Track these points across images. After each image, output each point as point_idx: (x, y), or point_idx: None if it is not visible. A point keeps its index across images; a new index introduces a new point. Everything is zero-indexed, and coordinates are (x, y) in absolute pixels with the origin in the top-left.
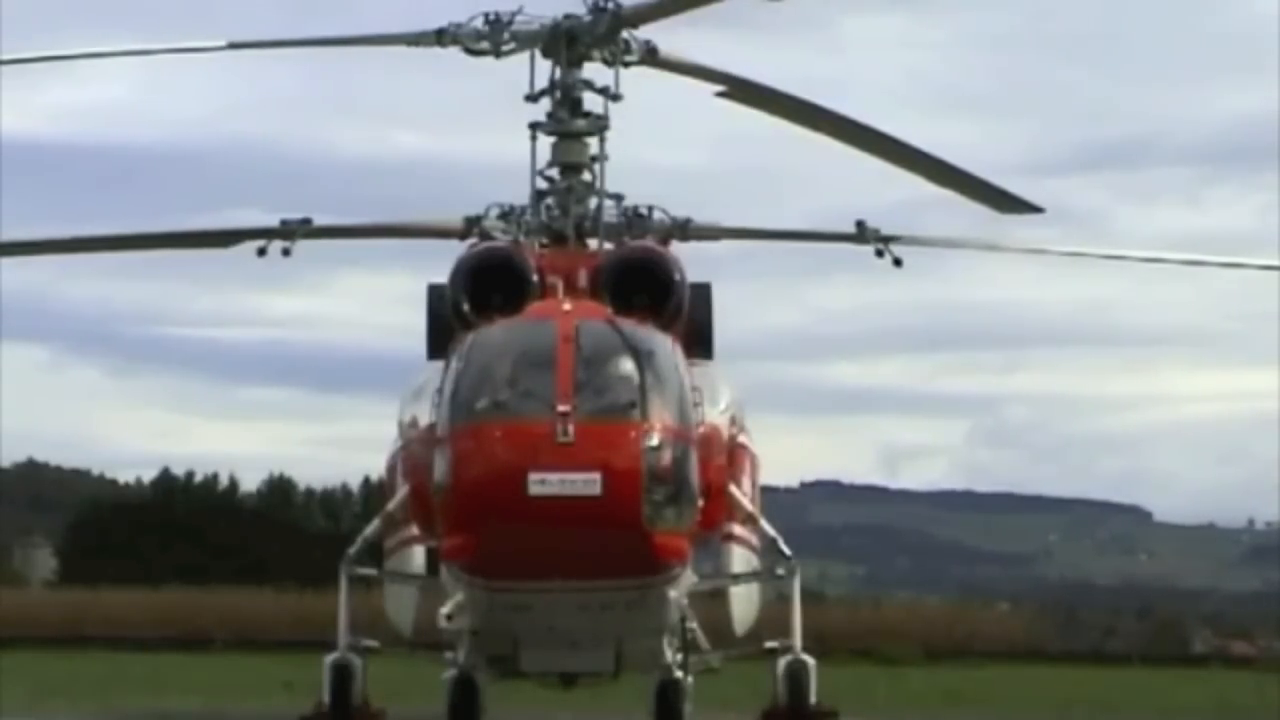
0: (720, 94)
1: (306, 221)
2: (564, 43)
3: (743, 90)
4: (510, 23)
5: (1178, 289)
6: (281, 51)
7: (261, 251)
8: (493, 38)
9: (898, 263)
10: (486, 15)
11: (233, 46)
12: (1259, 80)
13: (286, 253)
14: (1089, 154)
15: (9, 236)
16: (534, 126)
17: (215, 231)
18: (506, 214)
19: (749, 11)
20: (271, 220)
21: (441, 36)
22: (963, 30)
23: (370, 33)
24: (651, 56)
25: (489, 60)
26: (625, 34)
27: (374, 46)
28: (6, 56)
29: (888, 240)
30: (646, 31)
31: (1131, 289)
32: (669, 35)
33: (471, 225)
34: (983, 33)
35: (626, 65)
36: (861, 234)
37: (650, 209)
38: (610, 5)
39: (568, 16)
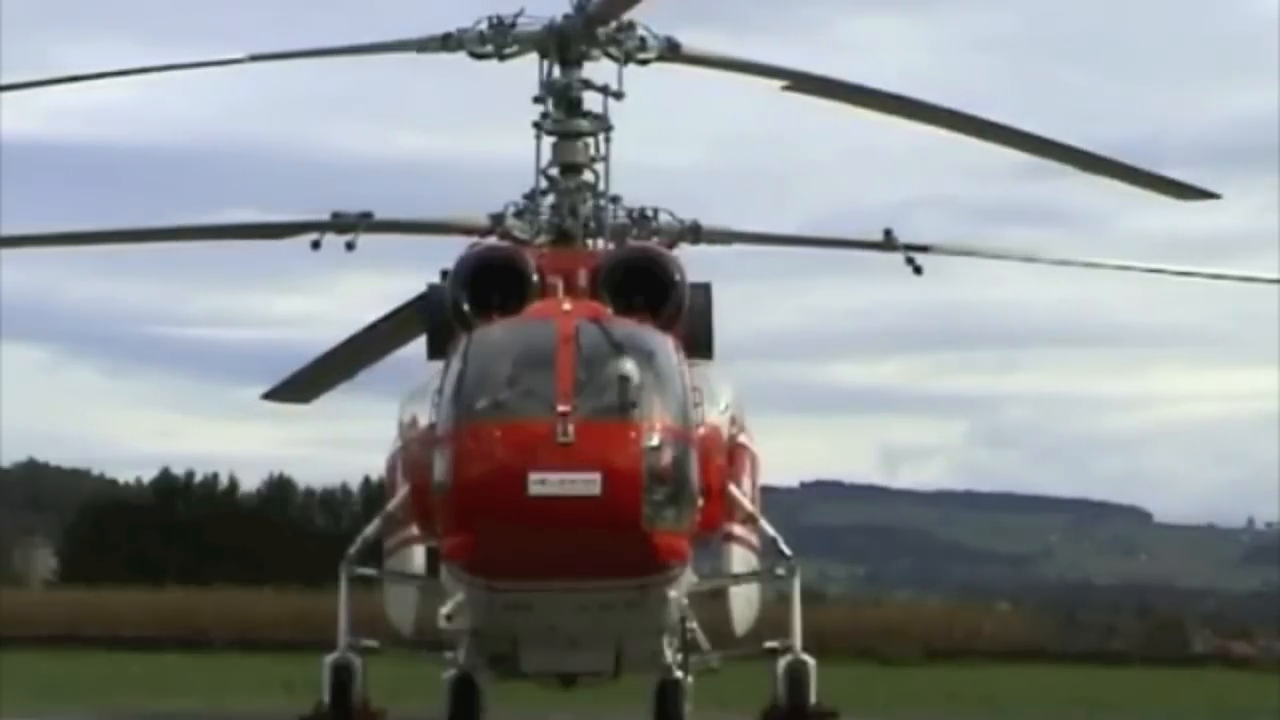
0: (786, 88)
1: (367, 215)
2: (563, 42)
3: (807, 83)
4: (513, 25)
5: (1178, 289)
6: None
7: (316, 244)
8: (496, 40)
9: (918, 271)
10: (490, 19)
11: (253, 59)
12: (1258, 82)
13: (350, 246)
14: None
15: (52, 228)
16: (538, 127)
17: (270, 224)
18: (520, 212)
19: (749, 11)
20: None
21: (448, 41)
22: (962, 31)
23: (381, 40)
24: (674, 53)
25: (492, 63)
26: (642, 31)
27: (385, 54)
28: (21, 80)
29: (916, 249)
30: (668, 28)
31: (1131, 289)
32: (691, 31)
33: (497, 223)
34: (982, 34)
35: (643, 63)
36: (889, 242)
37: (656, 211)
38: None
39: (566, 17)
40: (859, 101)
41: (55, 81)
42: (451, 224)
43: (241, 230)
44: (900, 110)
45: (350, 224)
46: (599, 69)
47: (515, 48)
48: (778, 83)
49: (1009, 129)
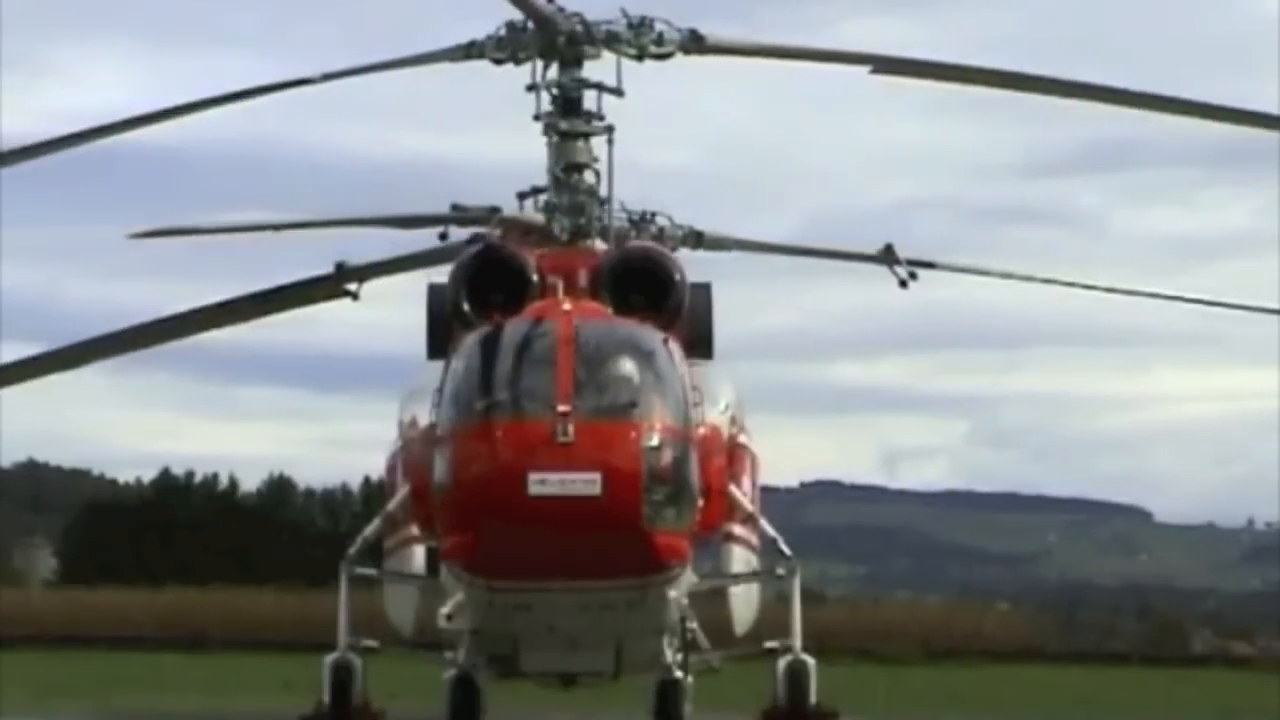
0: (873, 71)
1: (375, 265)
2: (573, 41)
3: (892, 65)
4: (524, 28)
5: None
6: (279, 52)
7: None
8: (512, 45)
9: (906, 282)
10: (510, 24)
11: (326, 78)
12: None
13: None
14: (1087, 156)
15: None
16: (548, 130)
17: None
18: (525, 194)
19: (756, 10)
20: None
21: (470, 50)
22: (964, 31)
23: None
24: (697, 45)
25: (508, 66)
26: (661, 26)
27: (421, 66)
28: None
29: (918, 265)
30: (689, 20)
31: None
32: (713, 21)
33: (497, 223)
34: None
35: (662, 59)
36: (890, 256)
37: (654, 215)
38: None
39: (570, 15)
40: (944, 77)
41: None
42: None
43: (249, 305)
44: (985, 81)
45: (356, 272)
46: (599, 68)
47: (529, 50)
48: (863, 68)
49: (1093, 86)
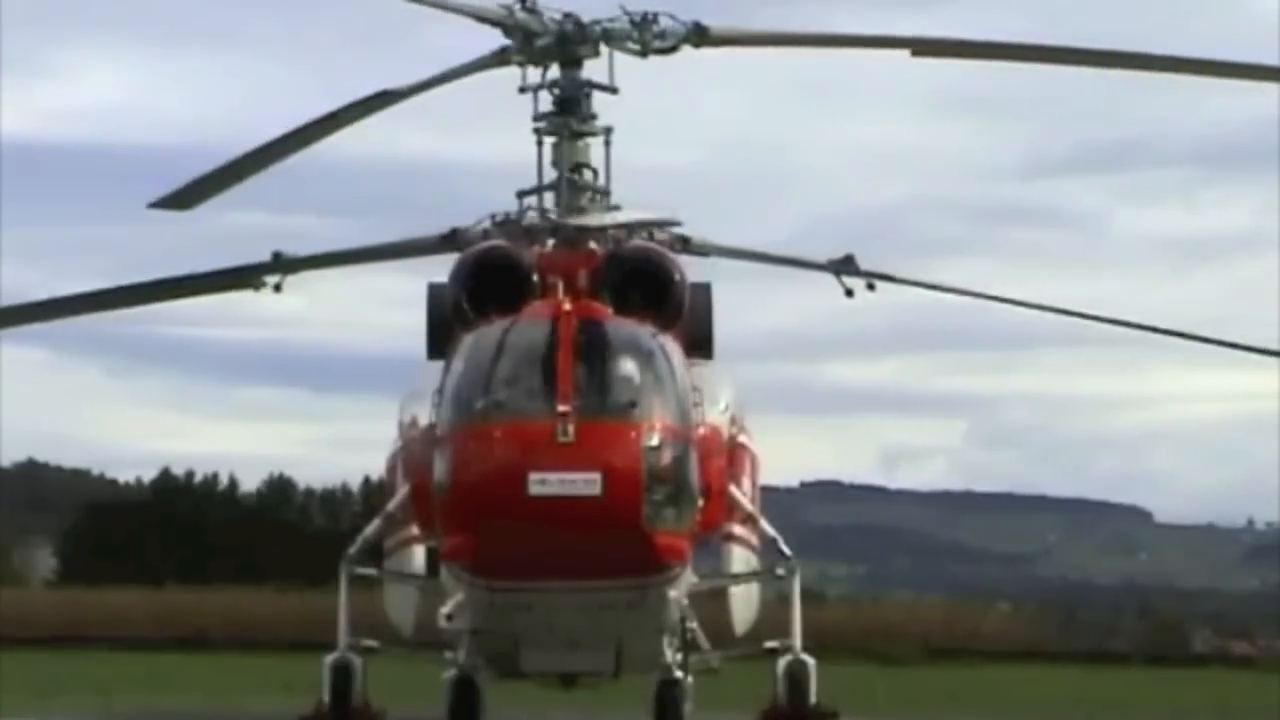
0: (915, 54)
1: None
2: (575, 39)
3: (931, 47)
4: (521, 25)
5: (1177, 289)
6: (278, 52)
7: (278, 288)
8: (524, 51)
9: (852, 292)
10: (507, 26)
11: (384, 96)
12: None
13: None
14: (1086, 156)
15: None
16: (543, 128)
17: (214, 273)
18: (501, 223)
19: (752, 7)
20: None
21: (510, 16)
22: (960, 32)
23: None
24: (701, 36)
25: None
26: (665, 20)
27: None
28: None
29: (874, 277)
30: (692, 12)
31: (1131, 289)
32: (716, 12)
33: (455, 237)
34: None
35: (666, 53)
36: (847, 266)
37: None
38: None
39: (565, 17)
40: (985, 55)
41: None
42: (411, 245)
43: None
44: (1025, 57)
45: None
46: (598, 66)
47: (523, 53)
48: (903, 51)
49: (1129, 54)
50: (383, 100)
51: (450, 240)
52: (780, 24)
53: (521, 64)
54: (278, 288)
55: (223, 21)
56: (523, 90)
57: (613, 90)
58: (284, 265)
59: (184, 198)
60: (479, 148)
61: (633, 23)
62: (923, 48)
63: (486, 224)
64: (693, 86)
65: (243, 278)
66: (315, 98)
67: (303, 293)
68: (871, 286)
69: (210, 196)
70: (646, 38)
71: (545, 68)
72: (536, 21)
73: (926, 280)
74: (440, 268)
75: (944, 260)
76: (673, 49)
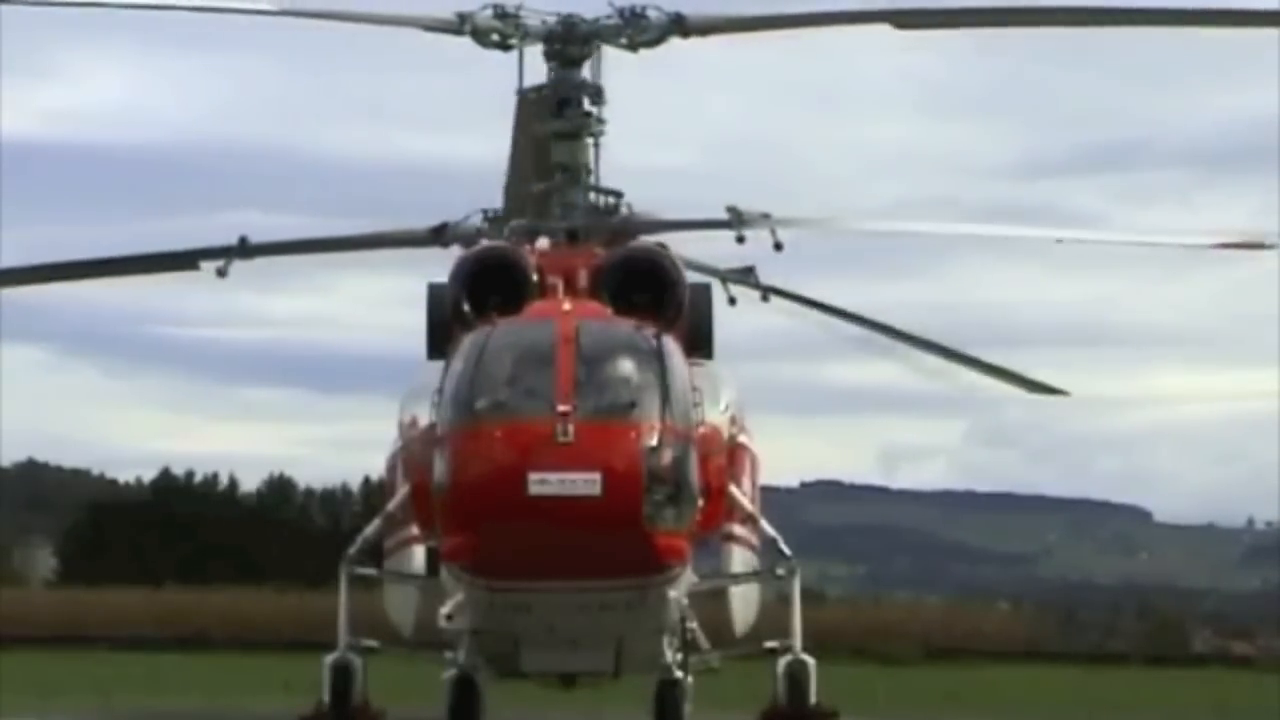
0: (896, 26)
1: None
2: (568, 36)
3: (913, 19)
4: (516, 16)
5: (1177, 289)
6: (277, 53)
7: (221, 272)
8: (502, 30)
9: (735, 300)
10: (495, 8)
11: (283, 13)
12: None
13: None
14: (1084, 156)
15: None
16: (537, 128)
17: (175, 253)
18: (492, 220)
19: (742, 3)
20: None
21: (463, 21)
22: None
23: (393, 12)
24: (678, 26)
25: (485, 61)
26: (652, 12)
27: (396, 27)
28: None
29: (770, 290)
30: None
31: (1131, 289)
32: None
33: (444, 231)
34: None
35: (652, 45)
36: (746, 277)
37: (616, 205)
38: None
39: (566, 17)
40: (967, 23)
41: None
42: (398, 237)
43: (147, 263)
44: (1009, 21)
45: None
46: (590, 67)
47: (515, 39)
48: (884, 26)
49: (1117, 10)
50: None
51: (439, 234)
52: (760, 5)
53: (505, 46)
54: (221, 272)
55: (223, 22)
56: (520, 92)
57: (599, 92)
58: (247, 250)
59: None
60: (476, 148)
61: (623, 17)
62: (904, 20)
63: (476, 219)
64: (693, 87)
65: (186, 260)
66: (310, 95)
67: (303, 293)
68: (765, 298)
69: None
70: (633, 32)
71: (550, 68)
72: (520, 23)
73: (818, 299)
74: (431, 263)
75: (944, 260)
76: (658, 41)
